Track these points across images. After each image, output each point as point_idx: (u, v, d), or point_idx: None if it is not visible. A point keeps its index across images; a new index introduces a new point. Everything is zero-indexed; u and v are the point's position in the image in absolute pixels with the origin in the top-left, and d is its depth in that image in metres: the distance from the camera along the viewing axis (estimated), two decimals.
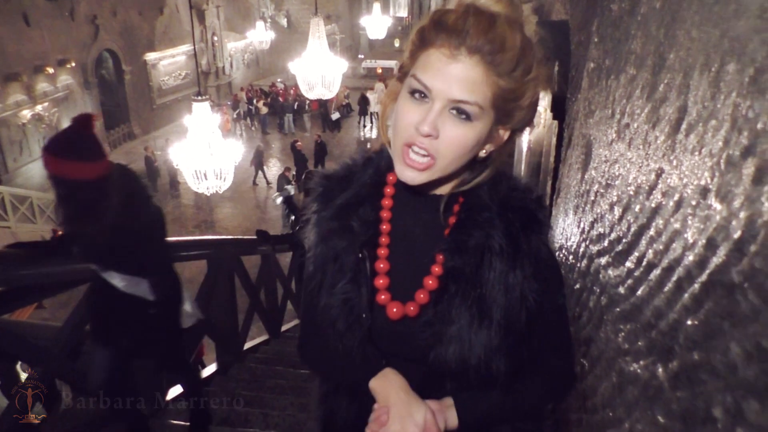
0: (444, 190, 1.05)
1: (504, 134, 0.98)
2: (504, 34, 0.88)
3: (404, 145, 0.95)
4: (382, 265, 1.07)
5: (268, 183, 15.90)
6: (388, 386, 1.06)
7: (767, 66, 0.70)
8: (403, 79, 1.00)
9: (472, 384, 1.04)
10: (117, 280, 2.41)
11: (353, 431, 1.17)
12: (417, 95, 0.94)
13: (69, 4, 15.90)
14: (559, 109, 4.00)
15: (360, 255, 1.06)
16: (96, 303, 2.60)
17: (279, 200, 7.44)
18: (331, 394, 1.24)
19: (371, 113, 20.26)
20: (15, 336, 2.55)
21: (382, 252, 1.08)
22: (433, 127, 0.91)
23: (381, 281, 1.06)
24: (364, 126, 20.92)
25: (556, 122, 4.27)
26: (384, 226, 1.09)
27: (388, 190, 1.11)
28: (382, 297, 1.06)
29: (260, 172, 16.06)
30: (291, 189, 10.40)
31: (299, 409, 3.64)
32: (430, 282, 1.04)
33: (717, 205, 0.77)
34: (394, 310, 1.05)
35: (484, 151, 0.99)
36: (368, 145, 16.40)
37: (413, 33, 0.98)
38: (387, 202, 1.10)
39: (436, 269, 1.04)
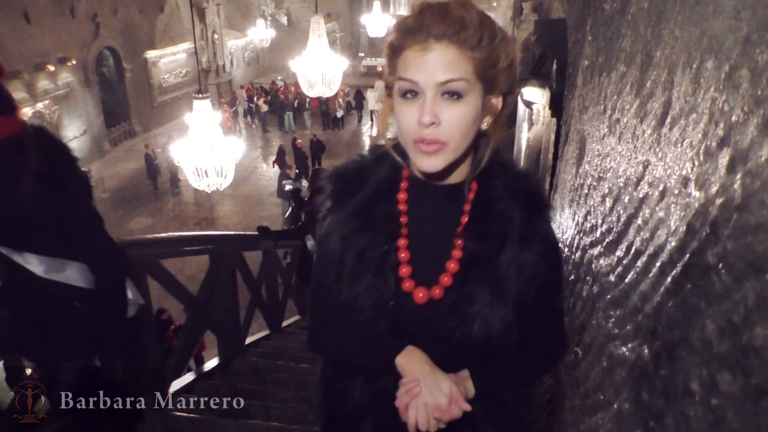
0: (457, 177, 1.13)
1: (497, 102, 1.06)
2: (459, 14, 0.98)
3: (414, 142, 1.03)
4: (403, 255, 1.14)
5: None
6: (413, 362, 1.13)
7: (741, 63, 0.75)
8: (391, 93, 1.09)
9: (489, 356, 1.13)
10: (35, 264, 1.90)
11: (367, 411, 1.25)
12: (408, 95, 1.02)
13: (69, 2, 15.92)
14: (557, 107, 4.04)
15: (386, 248, 1.14)
16: (8, 299, 2.03)
17: (288, 187, 7.19)
18: (342, 376, 1.29)
19: (371, 111, 20.30)
20: None
21: (402, 243, 1.15)
22: (432, 114, 0.99)
23: (404, 270, 1.13)
24: (360, 119, 21.12)
25: (554, 119, 4.31)
26: (402, 219, 1.16)
27: (403, 185, 1.18)
28: (407, 284, 1.13)
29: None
30: (303, 181, 10.37)
31: (300, 402, 3.69)
32: (452, 266, 1.12)
33: (696, 193, 0.82)
34: (420, 295, 1.12)
35: (485, 123, 1.06)
36: (366, 140, 16.30)
37: (386, 48, 1.07)
38: (402, 196, 1.17)
39: (457, 253, 1.12)
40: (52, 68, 15.23)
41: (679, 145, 0.92)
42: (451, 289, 1.12)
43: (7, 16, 13.88)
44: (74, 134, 16.56)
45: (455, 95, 0.99)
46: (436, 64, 0.98)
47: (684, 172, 0.88)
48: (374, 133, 19.57)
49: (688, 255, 0.83)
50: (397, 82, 1.03)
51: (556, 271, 1.17)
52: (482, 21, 0.99)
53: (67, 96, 16.17)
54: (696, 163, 0.84)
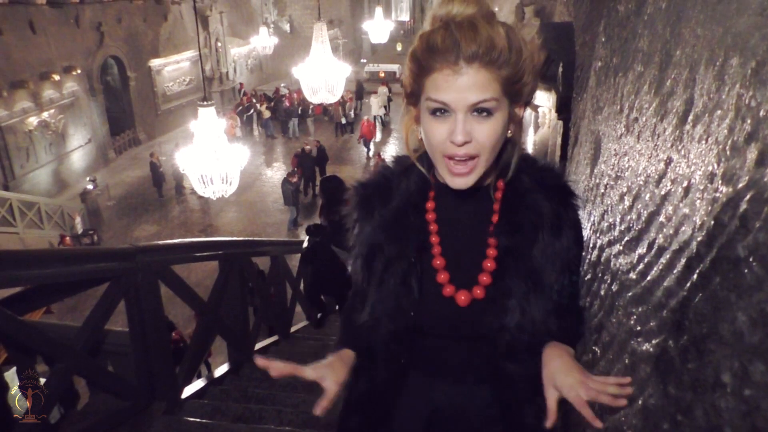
0: (484, 180, 1.14)
1: (520, 111, 1.10)
2: (488, 33, 0.99)
3: (444, 157, 1.05)
4: (438, 262, 1.16)
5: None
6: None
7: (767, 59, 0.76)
8: (414, 103, 1.11)
9: (532, 347, 1.15)
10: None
11: (357, 408, 1.32)
12: (438, 113, 1.04)
13: (74, 11, 16.03)
14: (564, 109, 4.06)
15: (412, 260, 1.16)
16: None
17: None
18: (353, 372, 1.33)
19: (374, 117, 20.37)
20: (37, 331, 2.62)
21: (436, 250, 1.17)
22: (465, 134, 1.01)
23: (442, 276, 1.15)
24: (356, 109, 21.66)
25: (561, 122, 4.33)
26: (432, 227, 1.18)
27: (431, 194, 1.20)
28: (448, 289, 1.15)
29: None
30: None
31: (312, 406, 3.70)
32: (489, 264, 1.14)
33: (723, 188, 0.83)
34: (463, 297, 1.14)
35: (509, 131, 1.09)
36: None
37: (408, 59, 1.08)
38: (431, 205, 1.20)
39: (492, 252, 1.14)
40: (57, 77, 15.33)
41: (704, 141, 0.94)
42: (491, 287, 1.14)
43: (13, 25, 13.99)
44: (79, 143, 16.64)
45: (485, 112, 1.01)
46: (467, 87, 0.99)
47: (710, 168, 0.89)
48: (378, 137, 19.62)
49: (716, 249, 0.84)
50: (425, 101, 1.05)
51: (581, 249, 1.21)
52: (509, 36, 1.01)
53: (72, 105, 16.26)
54: (722, 158, 0.85)
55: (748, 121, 0.79)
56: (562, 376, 1.04)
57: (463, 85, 0.99)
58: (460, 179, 1.06)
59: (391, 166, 1.26)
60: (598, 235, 1.64)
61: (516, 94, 1.05)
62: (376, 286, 1.19)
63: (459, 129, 1.00)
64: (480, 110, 1.01)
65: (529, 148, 5.83)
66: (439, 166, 1.08)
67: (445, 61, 0.99)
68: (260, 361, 1.07)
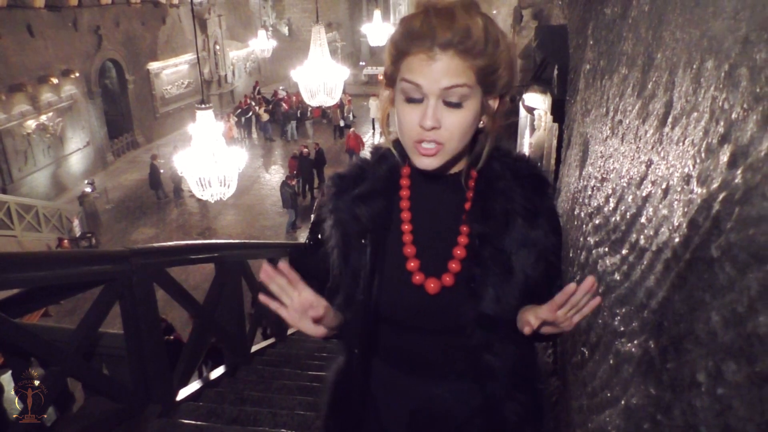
0: (457, 169, 1.15)
1: (494, 103, 1.09)
2: (466, 22, 0.99)
3: (415, 142, 1.06)
4: (409, 250, 1.17)
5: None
6: None
7: (740, 62, 0.77)
8: (391, 84, 1.12)
9: (504, 339, 1.14)
10: None
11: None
12: (411, 100, 1.04)
13: (72, 15, 16.06)
14: (559, 112, 4.07)
15: (363, 241, 1.17)
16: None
17: None
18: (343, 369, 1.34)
19: (372, 119, 20.38)
20: (31, 334, 2.62)
21: (407, 238, 1.17)
22: (435, 119, 1.02)
23: (412, 264, 1.15)
24: (348, 116, 21.20)
25: (556, 125, 4.34)
26: (404, 214, 1.19)
27: (404, 182, 1.21)
28: (417, 277, 1.15)
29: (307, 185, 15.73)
30: None
31: (307, 408, 3.70)
32: (459, 252, 1.14)
33: (698, 189, 0.84)
34: (432, 285, 1.14)
35: (482, 122, 1.09)
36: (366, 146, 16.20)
37: (388, 44, 1.08)
38: (404, 193, 1.20)
39: (463, 239, 1.14)
40: (55, 81, 15.33)
41: (681, 143, 0.95)
42: (460, 275, 1.14)
43: (11, 29, 14.00)
44: (78, 146, 16.64)
45: (457, 104, 1.02)
46: (441, 72, 1.00)
47: (686, 170, 0.90)
48: (376, 140, 19.64)
49: (691, 249, 0.85)
50: (400, 82, 1.06)
51: (559, 239, 1.19)
52: (486, 27, 1.00)
53: (71, 108, 16.26)
54: (698, 160, 0.86)
55: (722, 124, 0.80)
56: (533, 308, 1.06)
57: (436, 71, 1.00)
58: (426, 159, 1.07)
59: (368, 157, 1.27)
60: (586, 236, 1.65)
61: (490, 85, 1.05)
62: (340, 271, 1.21)
63: (429, 114, 1.01)
64: (451, 103, 1.02)
65: (526, 151, 5.85)
66: (410, 151, 1.09)
67: (420, 45, 1.00)
68: (267, 270, 1.04)
